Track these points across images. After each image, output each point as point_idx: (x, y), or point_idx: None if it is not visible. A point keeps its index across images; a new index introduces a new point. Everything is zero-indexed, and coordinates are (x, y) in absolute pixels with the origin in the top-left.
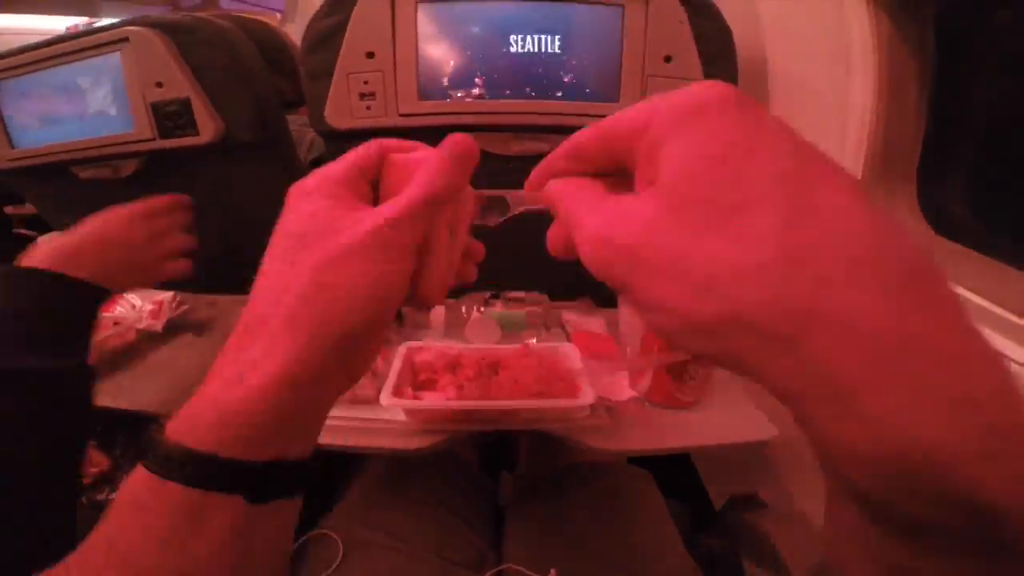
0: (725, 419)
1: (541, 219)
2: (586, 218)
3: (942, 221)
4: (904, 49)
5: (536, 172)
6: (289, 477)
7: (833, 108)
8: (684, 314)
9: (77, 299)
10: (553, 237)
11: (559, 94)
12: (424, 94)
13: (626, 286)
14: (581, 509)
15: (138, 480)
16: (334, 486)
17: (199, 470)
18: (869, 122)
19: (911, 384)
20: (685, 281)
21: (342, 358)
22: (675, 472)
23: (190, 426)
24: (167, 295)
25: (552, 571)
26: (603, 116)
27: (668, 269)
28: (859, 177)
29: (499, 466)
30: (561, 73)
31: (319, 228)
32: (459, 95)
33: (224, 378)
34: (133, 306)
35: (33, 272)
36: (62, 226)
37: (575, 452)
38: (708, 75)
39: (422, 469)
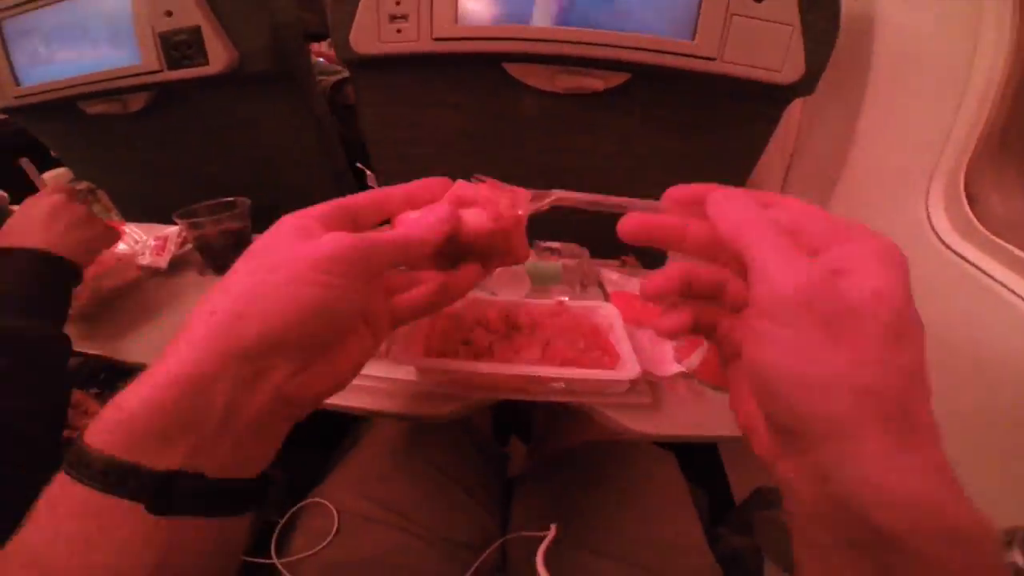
0: None
1: (583, 167)
2: (788, 266)
3: None
4: None
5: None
6: (200, 491)
7: (950, 79)
8: (838, 381)
9: (61, 272)
10: (647, 225)
11: (620, 24)
12: (463, 16)
13: (794, 337)
14: (598, 491)
15: (55, 481)
16: (334, 449)
17: (100, 471)
18: (992, 99)
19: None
20: (849, 358)
21: (257, 370)
22: (695, 455)
23: (102, 427)
24: (172, 229)
25: (552, 527)
26: (671, 53)
27: (838, 348)
28: (969, 154)
29: (511, 432)
30: None
31: (269, 246)
32: (502, 18)
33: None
34: (136, 240)
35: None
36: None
37: (595, 426)
38: (806, 23)
39: (430, 434)
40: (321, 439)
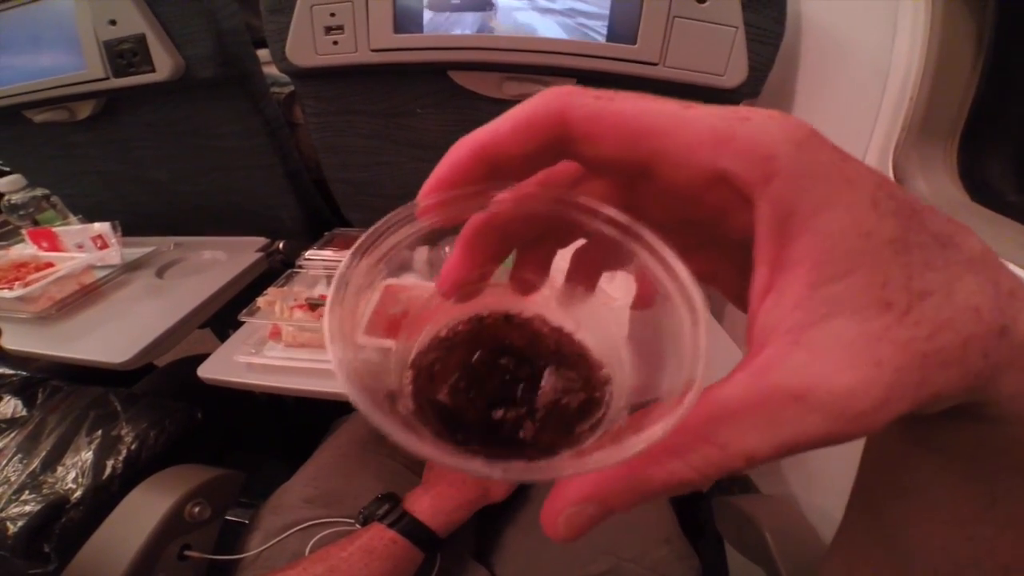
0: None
1: None
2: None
3: (982, 190)
4: (961, 12)
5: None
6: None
7: (872, 68)
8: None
9: None
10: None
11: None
12: (401, 25)
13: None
14: None
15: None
16: (301, 459)
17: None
18: (912, 86)
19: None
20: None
21: None
22: None
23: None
24: (102, 225)
25: None
26: (613, 59)
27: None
28: (895, 141)
29: None
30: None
31: None
32: (443, 25)
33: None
34: (79, 246)
35: None
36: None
37: None
38: (749, 22)
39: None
40: (287, 451)
